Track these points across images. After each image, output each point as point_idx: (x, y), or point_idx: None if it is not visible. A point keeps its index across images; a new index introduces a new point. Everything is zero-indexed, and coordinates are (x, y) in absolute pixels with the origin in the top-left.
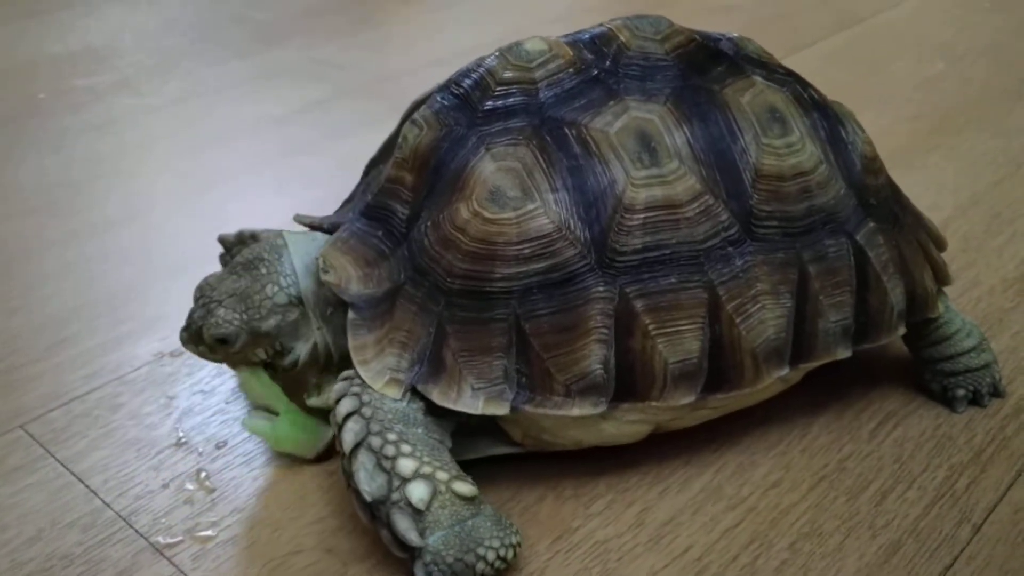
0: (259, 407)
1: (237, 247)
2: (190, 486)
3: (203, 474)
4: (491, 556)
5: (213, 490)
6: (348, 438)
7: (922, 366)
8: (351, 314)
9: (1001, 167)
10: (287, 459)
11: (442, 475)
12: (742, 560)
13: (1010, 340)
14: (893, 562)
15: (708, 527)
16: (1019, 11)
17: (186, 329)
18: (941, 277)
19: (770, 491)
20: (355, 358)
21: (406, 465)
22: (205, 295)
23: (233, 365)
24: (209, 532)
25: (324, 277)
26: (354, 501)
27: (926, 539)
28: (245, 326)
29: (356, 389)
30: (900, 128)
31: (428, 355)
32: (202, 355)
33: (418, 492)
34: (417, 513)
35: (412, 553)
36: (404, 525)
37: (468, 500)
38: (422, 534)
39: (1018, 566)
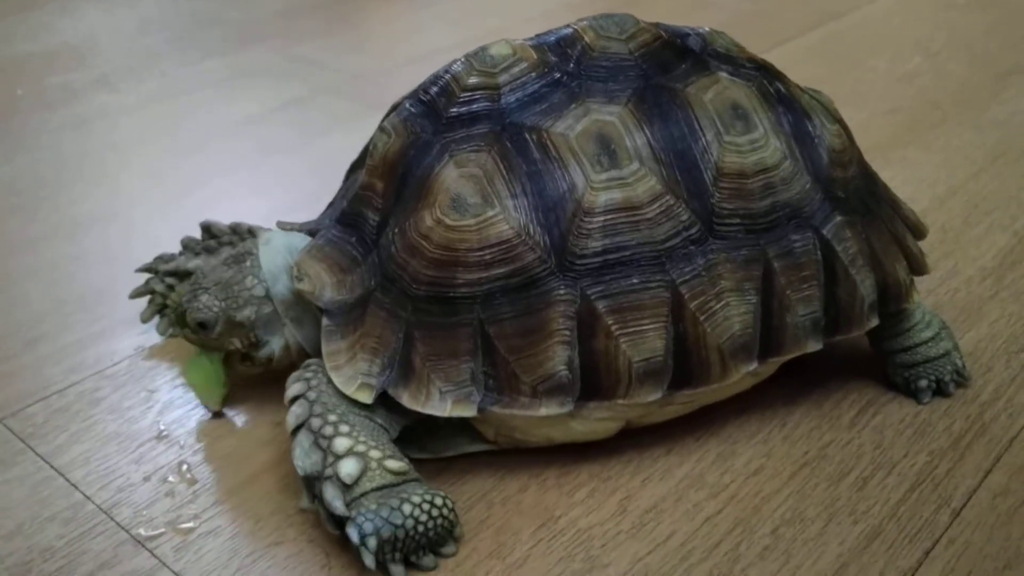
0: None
1: (228, 236)
2: (172, 478)
3: (184, 466)
4: (416, 499)
5: (195, 482)
6: (290, 420)
7: (884, 359)
8: (325, 320)
9: (978, 160)
10: (269, 451)
11: (375, 453)
12: (725, 546)
13: (988, 328)
14: (874, 547)
15: (691, 514)
16: (994, 7)
17: (174, 310)
18: (916, 267)
19: (751, 478)
20: (328, 364)
21: (341, 443)
22: (197, 281)
23: (210, 350)
24: (191, 524)
25: (298, 286)
26: (301, 486)
27: (906, 524)
28: (222, 314)
29: (308, 375)
30: (878, 123)
31: (398, 360)
32: (186, 337)
33: (347, 467)
34: (345, 487)
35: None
36: (330, 494)
37: (399, 474)
38: (349, 505)
39: (996, 550)
